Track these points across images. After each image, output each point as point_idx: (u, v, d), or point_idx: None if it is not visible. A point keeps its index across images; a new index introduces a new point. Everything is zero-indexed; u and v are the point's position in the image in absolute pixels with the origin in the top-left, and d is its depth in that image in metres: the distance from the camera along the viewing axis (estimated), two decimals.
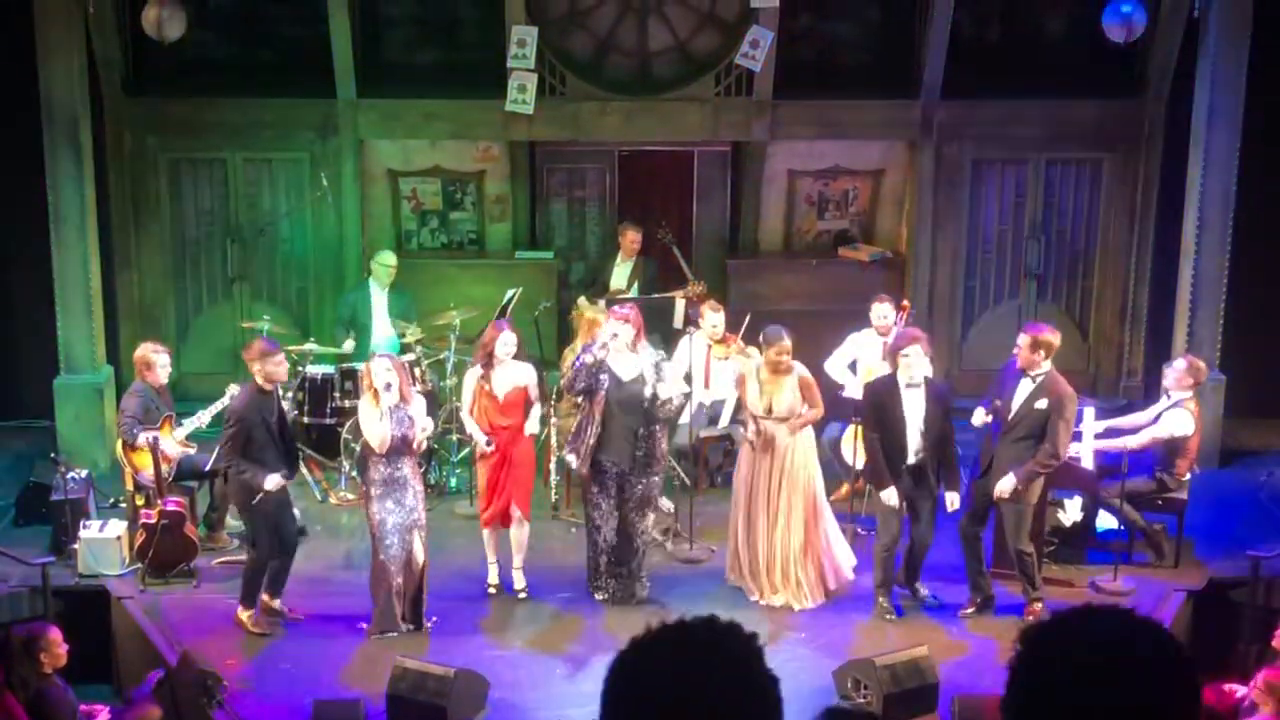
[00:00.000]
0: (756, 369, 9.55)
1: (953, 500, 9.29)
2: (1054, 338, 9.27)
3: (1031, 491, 9.22)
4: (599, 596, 9.54)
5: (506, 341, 9.41)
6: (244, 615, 9.21)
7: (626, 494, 9.32)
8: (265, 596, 9.30)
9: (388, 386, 8.85)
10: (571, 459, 9.37)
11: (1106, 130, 12.76)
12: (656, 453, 9.33)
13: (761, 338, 9.60)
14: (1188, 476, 10.13)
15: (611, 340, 9.15)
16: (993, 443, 9.32)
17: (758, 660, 2.22)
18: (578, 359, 9.37)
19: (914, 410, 9.21)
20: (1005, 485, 9.08)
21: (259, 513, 9.08)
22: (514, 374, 9.46)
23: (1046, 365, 9.18)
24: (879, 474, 9.30)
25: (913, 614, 9.49)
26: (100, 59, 11.83)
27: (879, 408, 9.29)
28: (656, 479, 9.44)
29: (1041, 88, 12.60)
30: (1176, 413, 10.00)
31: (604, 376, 9.15)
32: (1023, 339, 9.22)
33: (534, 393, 9.55)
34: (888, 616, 9.42)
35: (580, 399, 9.38)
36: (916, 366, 9.19)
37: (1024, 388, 9.19)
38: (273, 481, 8.99)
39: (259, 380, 9.06)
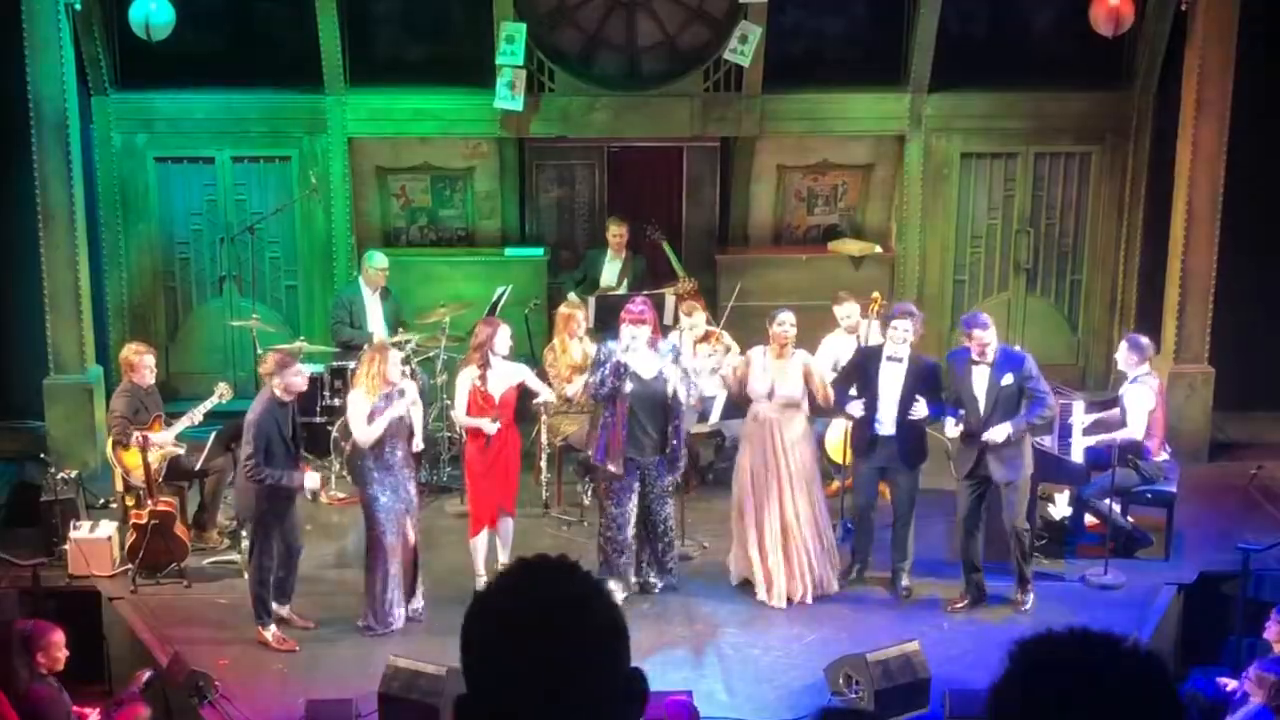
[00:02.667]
0: (763, 352, 9.55)
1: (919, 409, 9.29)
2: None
3: (1028, 465, 9.28)
4: (619, 595, 9.09)
5: (505, 335, 9.33)
6: (266, 634, 9.03)
7: (648, 487, 9.30)
8: (274, 605, 9.22)
9: (400, 383, 8.94)
10: (613, 467, 9.12)
11: (1095, 123, 12.78)
12: (680, 447, 9.30)
13: (768, 320, 9.60)
14: (1162, 456, 10.15)
15: (631, 342, 9.10)
16: (970, 443, 9.30)
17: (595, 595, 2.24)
18: (597, 363, 9.26)
19: (890, 383, 9.34)
20: (1000, 432, 9.06)
21: (268, 522, 8.95)
22: (508, 374, 9.41)
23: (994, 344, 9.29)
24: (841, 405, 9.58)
25: (903, 609, 9.52)
26: (88, 56, 11.80)
27: (858, 369, 9.56)
28: (677, 475, 9.43)
29: (1029, 80, 12.62)
30: (1134, 388, 10.05)
31: (627, 378, 9.08)
32: (988, 333, 9.20)
33: (534, 383, 9.55)
34: (850, 577, 9.71)
35: (591, 397, 9.39)
36: (900, 340, 9.32)
37: (980, 375, 9.19)
38: (311, 480, 9.03)
39: (277, 392, 8.90)
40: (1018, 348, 10.01)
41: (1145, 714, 2.16)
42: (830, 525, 9.72)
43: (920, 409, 9.23)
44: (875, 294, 11.01)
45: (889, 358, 9.37)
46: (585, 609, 2.21)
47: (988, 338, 9.17)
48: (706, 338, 10.84)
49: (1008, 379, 9.11)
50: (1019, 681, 2.20)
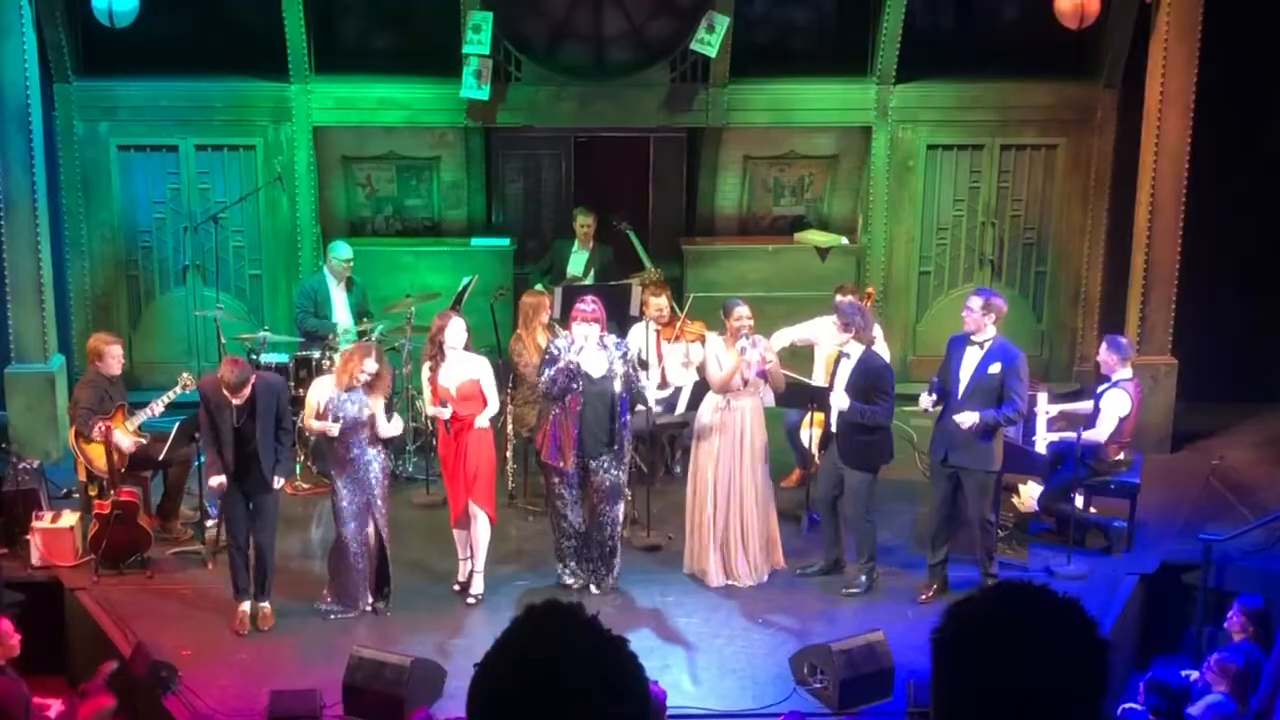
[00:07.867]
0: (722, 343, 9.58)
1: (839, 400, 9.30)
2: (1005, 304, 9.44)
3: (995, 459, 9.28)
4: (568, 580, 9.51)
5: (457, 328, 9.26)
6: (238, 608, 9.16)
7: (595, 483, 9.28)
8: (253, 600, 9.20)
9: (367, 379, 8.90)
10: (565, 465, 9.17)
11: (1060, 115, 12.82)
12: (624, 442, 9.33)
13: (721, 312, 9.63)
14: (1120, 457, 10.21)
15: (584, 341, 9.09)
16: (944, 422, 9.32)
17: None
18: (548, 360, 9.25)
19: (839, 378, 9.42)
20: (968, 418, 9.05)
21: (233, 502, 9.05)
22: (466, 367, 9.34)
23: (992, 331, 9.25)
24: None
25: (867, 599, 9.54)
26: (50, 43, 11.70)
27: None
28: (624, 469, 9.42)
29: (995, 73, 12.66)
30: (1113, 393, 10.10)
31: (579, 378, 9.10)
32: (975, 301, 9.26)
33: (488, 389, 9.38)
34: (811, 569, 9.75)
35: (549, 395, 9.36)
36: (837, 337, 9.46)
37: (971, 356, 9.21)
38: (216, 481, 8.98)
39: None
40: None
41: (1071, 654, 2.27)
42: (773, 513, 9.77)
43: (839, 399, 9.25)
44: (870, 289, 11.13)
45: (842, 353, 9.43)
46: (598, 674, 2.13)
47: (968, 307, 9.27)
48: (670, 324, 10.79)
49: (995, 368, 9.14)
50: (952, 636, 2.34)
